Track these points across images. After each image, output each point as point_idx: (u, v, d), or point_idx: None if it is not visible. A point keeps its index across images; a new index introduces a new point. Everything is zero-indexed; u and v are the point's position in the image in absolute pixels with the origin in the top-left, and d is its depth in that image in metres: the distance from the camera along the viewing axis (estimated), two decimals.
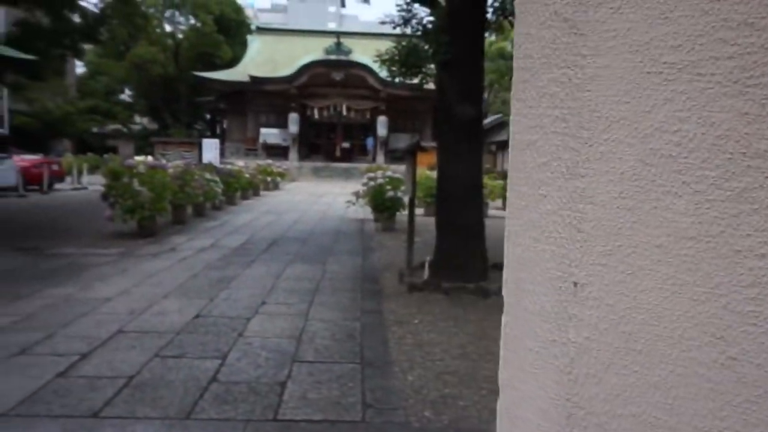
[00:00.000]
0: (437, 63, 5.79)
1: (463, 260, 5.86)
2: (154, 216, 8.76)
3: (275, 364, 3.55)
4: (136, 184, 8.58)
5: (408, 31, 6.47)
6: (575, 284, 0.70)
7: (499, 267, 6.70)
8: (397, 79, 6.59)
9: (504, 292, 0.89)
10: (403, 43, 6.43)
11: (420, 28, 6.52)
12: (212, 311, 4.70)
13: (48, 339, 3.92)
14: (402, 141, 32.64)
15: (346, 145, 33.07)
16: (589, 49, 0.67)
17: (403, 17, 6.39)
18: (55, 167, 18.51)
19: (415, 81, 6.69)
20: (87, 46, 14.21)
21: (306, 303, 5.07)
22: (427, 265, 6.08)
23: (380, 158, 30.99)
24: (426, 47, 6.13)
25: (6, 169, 15.28)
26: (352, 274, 6.40)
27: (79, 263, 6.60)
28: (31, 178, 16.54)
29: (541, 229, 0.75)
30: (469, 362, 3.78)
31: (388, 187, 10.25)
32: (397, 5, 6.28)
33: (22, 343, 3.81)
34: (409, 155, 6.09)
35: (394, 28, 6.55)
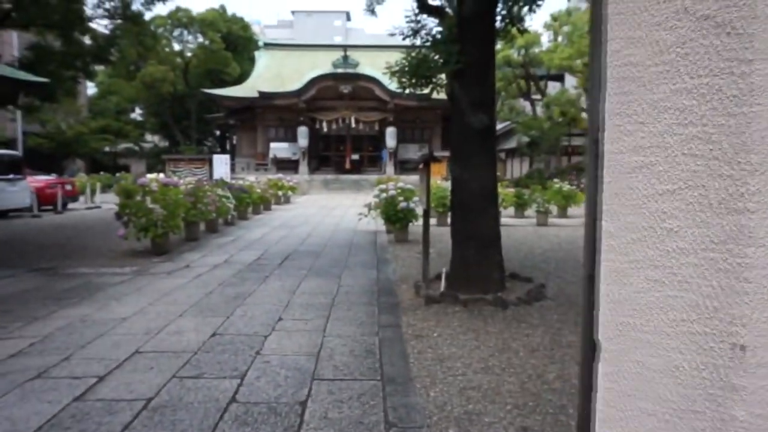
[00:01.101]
0: (448, 73, 5.75)
1: (480, 271, 5.78)
2: (167, 233, 8.77)
3: (294, 383, 3.48)
4: (149, 202, 8.61)
5: (417, 42, 6.45)
6: (741, 347, 0.56)
7: (515, 277, 6.61)
8: (407, 90, 6.54)
9: (600, 336, 0.75)
10: (413, 54, 6.39)
11: (429, 38, 6.50)
12: (229, 329, 4.64)
13: (65, 361, 3.88)
14: (411, 151, 32.71)
15: (355, 157, 33.17)
16: (755, 52, 0.53)
17: (412, 28, 6.37)
18: (68, 187, 18.70)
19: (426, 91, 6.65)
20: (98, 67, 14.39)
21: (323, 318, 5.00)
22: (443, 277, 6.00)
23: (390, 169, 31.02)
24: (436, 57, 6.09)
25: (20, 190, 15.43)
26: (368, 288, 6.33)
27: (95, 283, 6.60)
28: (45, 199, 16.71)
29: (668, 270, 0.62)
30: (492, 376, 3.68)
31: (401, 199, 10.20)
32: (406, 16, 6.26)
33: (39, 366, 3.78)
34: (422, 166, 6.03)
35: (403, 39, 6.52)
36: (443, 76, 6.49)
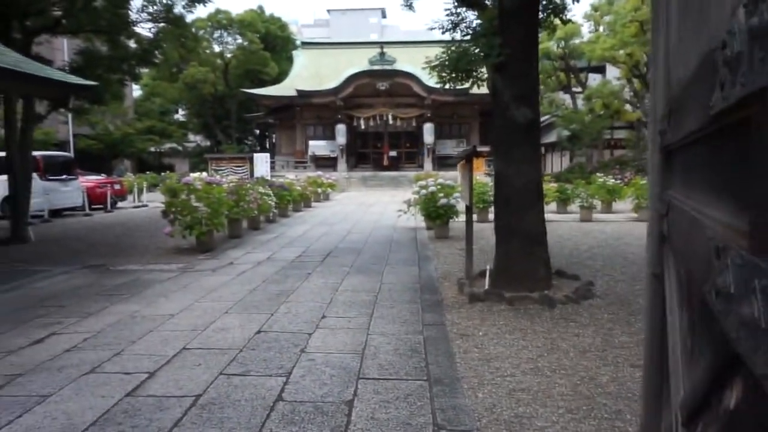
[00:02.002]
0: (490, 66, 5.61)
1: (526, 268, 5.64)
2: (211, 231, 8.93)
3: (340, 382, 3.45)
4: (193, 200, 8.79)
5: (457, 35, 6.33)
6: None
7: (561, 274, 6.42)
8: (447, 85, 6.44)
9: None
10: (453, 48, 6.28)
11: (469, 31, 6.38)
12: (273, 326, 4.67)
13: (117, 357, 3.98)
14: (449, 147, 32.44)
15: (393, 153, 33.12)
16: None
17: (451, 21, 6.27)
18: (117, 186, 19.37)
19: (466, 85, 6.53)
20: (143, 70, 14.81)
21: (366, 316, 4.97)
22: (487, 274, 5.88)
23: (428, 165, 30.85)
24: (477, 51, 5.95)
25: (73, 190, 16.07)
26: (410, 285, 6.27)
27: (143, 279, 6.77)
28: (95, 198, 17.35)
29: None
30: (541, 378, 3.56)
31: (441, 195, 10.09)
32: (446, 9, 6.15)
33: (93, 361, 3.88)
34: (464, 161, 5.92)
35: (443, 33, 6.43)
36: (484, 69, 6.36)
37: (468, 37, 6.21)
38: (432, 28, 6.37)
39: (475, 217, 12.73)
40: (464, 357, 3.96)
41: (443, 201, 9.98)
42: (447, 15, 6.19)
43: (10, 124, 9.68)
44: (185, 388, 3.38)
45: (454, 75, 6.29)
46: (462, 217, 11.07)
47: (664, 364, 1.96)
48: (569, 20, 7.12)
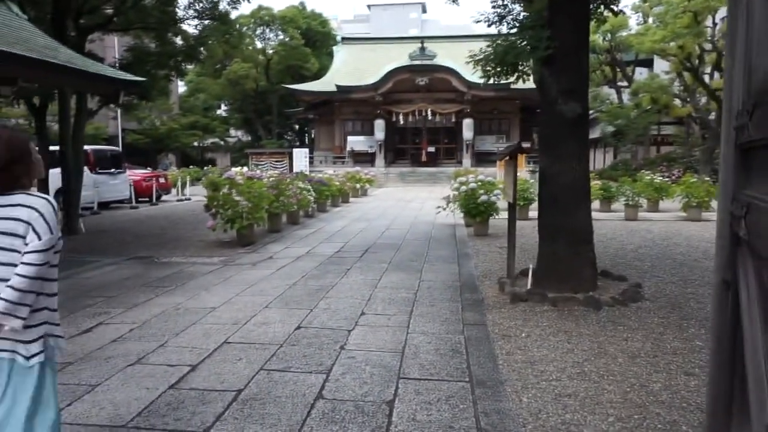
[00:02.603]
0: (538, 59, 5.44)
1: (570, 268, 5.45)
2: (252, 225, 9.04)
3: (380, 381, 3.41)
4: (234, 194, 8.91)
5: (504, 28, 6.17)
6: None
7: (607, 275, 6.20)
8: (492, 80, 6.28)
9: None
10: (499, 41, 6.12)
11: (515, 24, 6.20)
12: (313, 322, 4.67)
13: (161, 348, 4.05)
14: (488, 143, 31.99)
15: (431, 149, 32.89)
16: None
17: (498, 14, 6.11)
18: (162, 180, 19.92)
19: (511, 80, 6.36)
20: (188, 66, 15.15)
21: (405, 314, 4.91)
22: (530, 274, 5.73)
23: (467, 161, 30.52)
24: (523, 44, 5.78)
25: (121, 183, 16.62)
26: (450, 283, 6.17)
27: (186, 272, 6.91)
28: (141, 191, 17.90)
29: None
30: (589, 383, 3.43)
31: (481, 191, 9.92)
32: (492, 2, 5.99)
33: (139, 352, 3.96)
34: (508, 158, 5.77)
35: (489, 26, 6.27)
36: (530, 63, 6.18)
37: (514, 30, 6.04)
38: (478, 21, 6.23)
39: None
40: (507, 359, 3.85)
41: (483, 198, 9.80)
42: (493, 7, 6.04)
43: (64, 119, 10.05)
44: (227, 382, 3.40)
45: (499, 69, 6.13)
46: (502, 215, 10.89)
47: (734, 375, 1.83)
48: (620, 11, 6.84)
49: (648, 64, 37.08)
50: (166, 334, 4.38)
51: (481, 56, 6.17)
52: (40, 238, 1.97)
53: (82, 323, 4.73)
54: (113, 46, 25.77)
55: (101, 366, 3.71)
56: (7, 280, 1.94)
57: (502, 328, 4.54)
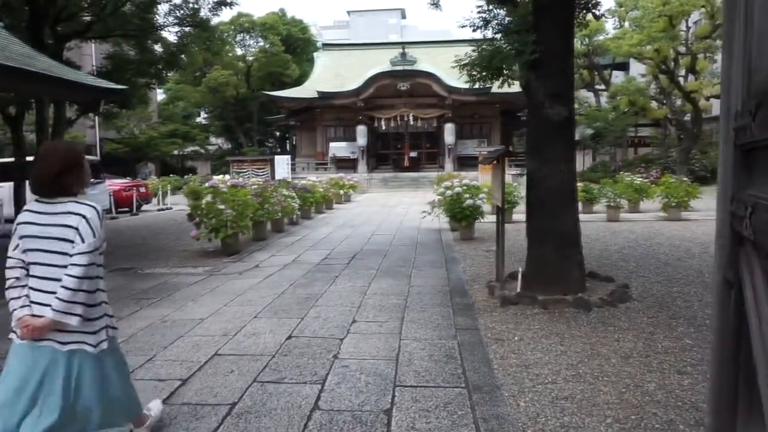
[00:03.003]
0: (524, 63, 5.47)
1: (559, 270, 5.48)
2: (237, 234, 8.94)
3: (376, 390, 3.37)
4: (219, 203, 8.81)
5: (489, 33, 6.20)
6: None
7: (594, 276, 6.24)
8: (477, 84, 6.31)
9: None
10: (485, 46, 6.15)
11: (500, 28, 6.24)
12: (304, 331, 4.61)
13: (149, 362, 3.95)
14: (469, 147, 32.18)
15: (413, 154, 32.99)
16: None
17: (483, 18, 6.14)
18: (142, 189, 19.62)
19: (496, 84, 6.40)
20: (169, 74, 14.98)
21: (397, 320, 4.88)
22: (519, 277, 5.74)
23: (449, 166, 30.65)
24: (509, 48, 5.81)
25: (100, 193, 16.28)
26: (439, 288, 6.16)
27: (171, 283, 6.79)
28: (121, 201, 17.60)
29: None
30: (584, 385, 3.43)
31: (466, 195, 9.95)
32: (477, 6, 6.03)
33: None
34: (496, 162, 5.79)
35: (473, 31, 6.30)
36: (515, 67, 6.22)
37: (499, 35, 6.07)
38: (463, 26, 6.25)
39: (495, 218, 12.62)
40: (501, 363, 3.84)
41: (469, 202, 9.84)
42: (478, 12, 6.07)
43: (41, 129, 9.83)
44: (220, 395, 3.33)
45: (485, 73, 6.16)
46: (487, 219, 10.95)
47: (739, 374, 1.83)
48: (602, 15, 6.94)
49: (624, 67, 37.74)
50: (154, 347, 4.28)
51: (467, 60, 6.20)
52: (84, 242, 2.25)
53: None
54: (91, 54, 25.38)
55: None
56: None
57: (494, 332, 4.54)
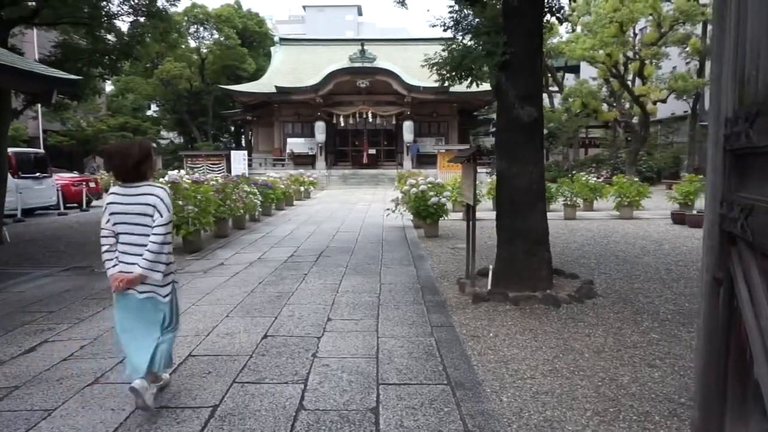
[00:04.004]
0: (494, 65, 5.56)
1: (528, 267, 5.61)
2: (199, 231, 8.70)
3: (360, 388, 3.35)
4: (179, 199, 8.54)
5: (459, 33, 6.27)
6: None
7: (559, 273, 6.42)
8: (447, 83, 6.37)
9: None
10: (454, 46, 6.21)
11: (471, 29, 6.31)
12: (279, 330, 4.53)
13: (120, 365, 3.78)
14: (428, 145, 32.48)
15: (372, 151, 33.01)
16: None
17: (454, 19, 6.19)
18: (92, 184, 18.80)
19: (465, 84, 6.47)
20: (125, 64, 14.38)
21: (372, 318, 4.87)
22: (489, 274, 5.84)
23: (407, 163, 30.85)
24: (480, 49, 5.89)
25: (47, 188, 15.53)
26: (410, 285, 6.19)
27: None
28: (70, 196, 16.81)
29: None
30: (562, 380, 3.52)
31: (432, 193, 10.03)
32: (449, 6, 6.07)
33: (95, 370, 3.70)
34: (467, 161, 5.86)
35: (445, 30, 6.35)
36: (485, 68, 6.31)
37: (468, 36, 6.14)
38: (433, 25, 6.30)
39: (461, 215, 12.79)
40: (480, 359, 3.90)
41: (434, 200, 9.92)
42: (450, 12, 6.12)
43: None
44: (199, 398, 3.23)
45: (454, 73, 6.22)
46: (451, 216, 11.09)
47: (728, 368, 1.92)
48: (566, 19, 7.13)
49: (575, 70, 38.97)
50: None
51: (437, 60, 6.25)
52: (162, 216, 3.02)
53: (23, 342, 4.35)
54: (33, 41, 24.07)
55: (54, 388, 3.43)
56: (145, 245, 3.00)
57: (469, 329, 4.60)
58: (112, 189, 3.13)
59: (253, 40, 41.12)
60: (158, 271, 3.04)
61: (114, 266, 3.07)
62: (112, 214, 3.05)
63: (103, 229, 3.09)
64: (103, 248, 3.11)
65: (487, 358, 3.94)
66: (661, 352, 3.99)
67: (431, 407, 3.10)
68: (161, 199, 3.03)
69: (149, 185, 3.07)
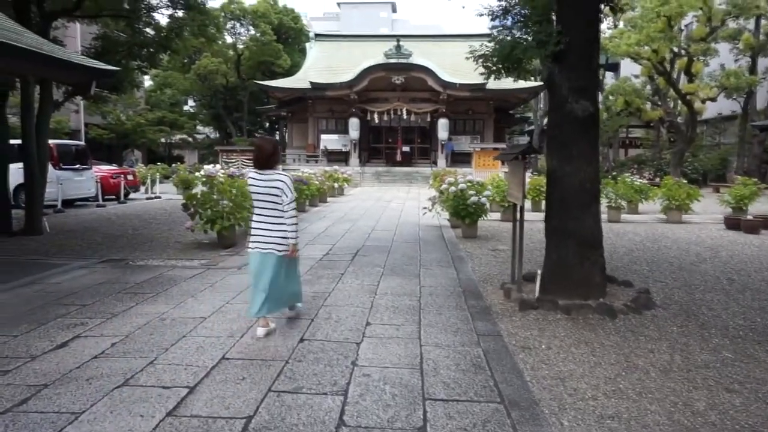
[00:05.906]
0: (547, 56, 5.19)
1: (580, 273, 5.23)
2: (233, 226, 8.57)
3: (405, 403, 3.07)
4: (215, 193, 8.43)
5: (508, 22, 5.91)
6: None
7: (612, 280, 5.99)
8: (493, 77, 6.03)
9: None
10: (502, 37, 5.86)
11: (521, 18, 5.95)
12: (316, 334, 4.29)
13: (151, 366, 3.61)
14: (463, 143, 31.95)
15: (406, 148, 32.66)
16: None
17: (503, 8, 5.84)
18: (130, 177, 19.06)
19: (511, 77, 6.12)
20: (163, 57, 14.44)
21: (414, 323, 4.59)
22: (537, 280, 5.48)
23: (441, 161, 30.39)
24: (530, 39, 5.53)
25: (87, 180, 15.76)
26: (452, 289, 5.87)
27: (167, 276, 6.42)
28: (108, 188, 17.05)
29: None
30: (629, 402, 3.17)
31: (471, 192, 9.67)
32: None
33: (125, 371, 3.52)
34: (516, 158, 5.51)
35: (493, 20, 6.00)
36: (534, 60, 5.94)
37: (519, 24, 5.78)
38: (481, 15, 5.93)
39: (499, 215, 12.38)
40: (534, 375, 3.57)
41: (473, 199, 9.56)
42: (498, 0, 5.77)
43: (26, 111, 9.33)
44: (233, 407, 3.01)
45: (500, 65, 5.87)
46: (490, 216, 10.69)
47: None
48: (621, 9, 6.68)
49: (614, 68, 37.69)
50: (155, 349, 3.94)
51: (483, 52, 5.91)
52: (288, 197, 4.15)
53: (55, 336, 4.23)
54: (76, 36, 24.61)
55: (83, 389, 3.26)
56: (275, 219, 4.20)
57: (518, 339, 4.27)
58: (250, 174, 4.24)
59: (288, 36, 41.26)
60: (294, 238, 4.22)
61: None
62: (251, 194, 4.26)
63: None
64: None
65: (541, 373, 3.61)
66: (738, 374, 3.59)
67: (484, 429, 2.80)
68: (286, 184, 4.13)
69: (277, 173, 4.16)
